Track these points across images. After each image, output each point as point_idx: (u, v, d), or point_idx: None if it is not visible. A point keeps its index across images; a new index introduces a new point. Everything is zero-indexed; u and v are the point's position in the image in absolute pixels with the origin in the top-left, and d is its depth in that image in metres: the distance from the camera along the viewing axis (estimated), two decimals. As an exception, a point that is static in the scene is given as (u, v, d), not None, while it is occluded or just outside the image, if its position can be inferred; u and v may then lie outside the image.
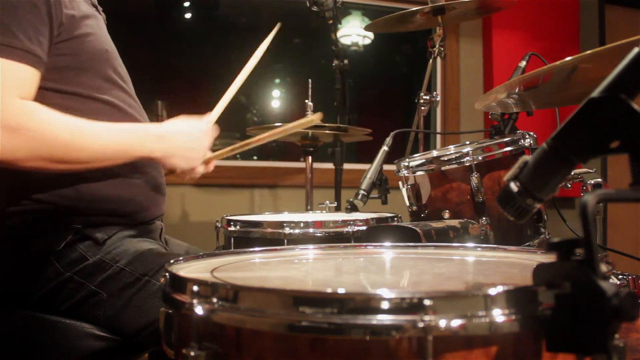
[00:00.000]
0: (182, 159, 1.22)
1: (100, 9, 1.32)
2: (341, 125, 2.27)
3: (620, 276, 1.32)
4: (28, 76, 1.04)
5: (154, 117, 2.44)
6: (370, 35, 3.59)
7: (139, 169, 1.25)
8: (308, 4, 2.22)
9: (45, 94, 1.10)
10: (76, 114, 1.09)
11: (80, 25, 1.16)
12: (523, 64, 1.82)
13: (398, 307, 0.55)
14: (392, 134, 1.78)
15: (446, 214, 1.51)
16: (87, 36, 1.18)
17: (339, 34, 2.39)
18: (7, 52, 1.01)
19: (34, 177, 1.15)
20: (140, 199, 1.25)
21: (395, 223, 1.54)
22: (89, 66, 1.18)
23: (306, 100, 2.20)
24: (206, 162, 1.35)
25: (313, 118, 1.38)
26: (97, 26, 1.23)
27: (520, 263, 0.90)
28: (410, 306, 0.55)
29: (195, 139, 1.25)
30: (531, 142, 1.53)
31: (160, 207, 1.33)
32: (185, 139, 1.23)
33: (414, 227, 1.29)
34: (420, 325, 0.54)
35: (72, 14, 1.14)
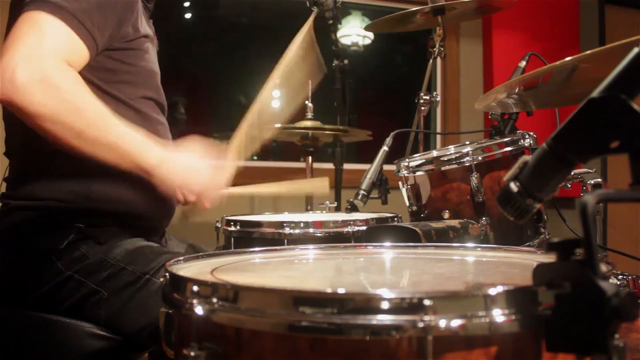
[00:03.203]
0: (175, 189, 1.15)
1: (155, 35, 1.38)
2: (341, 127, 2.28)
3: (620, 276, 1.32)
4: (82, 53, 1.09)
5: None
6: (370, 35, 3.59)
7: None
8: (308, 4, 2.22)
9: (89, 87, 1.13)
10: None
11: (141, 42, 1.24)
12: (523, 64, 1.82)
13: (398, 307, 0.55)
14: (392, 134, 1.78)
15: (446, 214, 1.51)
16: (144, 54, 1.26)
17: (339, 34, 2.39)
18: (76, 27, 1.06)
19: (49, 170, 1.16)
20: (149, 207, 1.26)
21: (395, 223, 1.54)
22: (136, 80, 1.24)
23: (306, 102, 2.20)
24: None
25: (324, 184, 1.39)
26: (152, 48, 1.31)
27: (520, 263, 0.90)
28: (410, 306, 0.55)
29: (197, 174, 1.17)
30: (531, 142, 1.53)
31: (166, 221, 1.34)
32: (185, 171, 1.15)
33: (414, 227, 1.29)
34: (420, 325, 0.54)
35: (137, 27, 1.22)
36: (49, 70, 1.02)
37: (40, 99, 1.00)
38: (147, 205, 1.25)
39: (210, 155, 1.20)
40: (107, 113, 1.08)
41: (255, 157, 3.42)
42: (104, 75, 1.19)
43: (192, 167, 1.16)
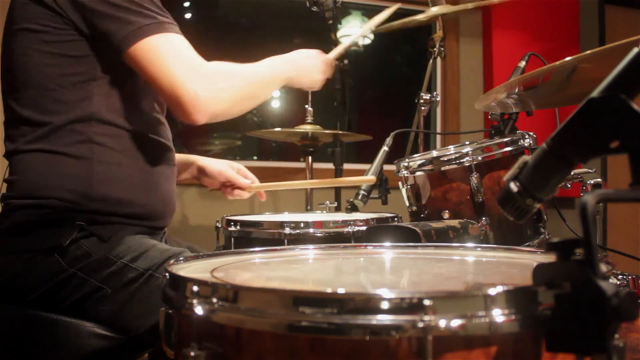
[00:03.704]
0: (306, 79, 1.49)
1: None
2: (340, 131, 2.28)
3: (620, 276, 1.32)
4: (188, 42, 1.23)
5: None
6: (370, 35, 3.59)
7: (153, 181, 1.27)
8: (308, 4, 2.21)
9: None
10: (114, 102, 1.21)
11: None
12: (523, 64, 1.82)
13: (398, 307, 0.55)
14: (392, 134, 1.78)
15: (446, 214, 1.51)
16: None
17: (339, 34, 2.38)
18: (170, 28, 1.19)
19: (50, 172, 1.17)
20: (151, 207, 1.26)
21: (395, 223, 1.54)
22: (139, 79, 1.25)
23: (306, 106, 2.20)
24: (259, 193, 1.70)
25: (369, 179, 1.61)
26: None
27: (520, 263, 0.90)
28: (410, 306, 0.55)
29: (316, 64, 1.52)
30: (531, 142, 1.53)
31: (167, 220, 1.35)
32: (308, 62, 1.49)
33: (414, 227, 1.29)
34: (420, 325, 0.54)
35: None
36: (209, 73, 1.18)
37: (229, 97, 1.21)
38: (148, 207, 1.26)
39: (317, 54, 1.55)
40: (253, 68, 1.31)
41: (255, 157, 3.43)
42: (115, 75, 1.20)
43: (313, 63, 1.51)
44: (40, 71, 1.18)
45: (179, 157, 1.64)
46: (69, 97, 1.18)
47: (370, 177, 1.62)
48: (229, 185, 1.66)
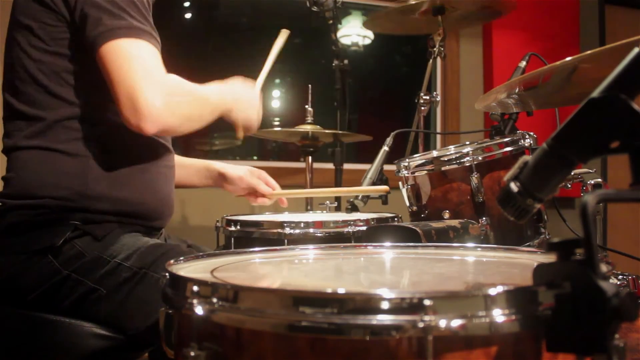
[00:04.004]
0: (243, 115, 1.40)
1: None
2: (340, 132, 2.28)
3: (620, 276, 1.32)
4: (160, 55, 1.21)
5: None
6: (371, 35, 3.59)
7: (151, 181, 1.27)
8: (308, 4, 2.22)
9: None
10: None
11: None
12: (523, 64, 1.82)
13: (398, 307, 0.55)
14: (392, 134, 1.78)
15: (446, 214, 1.51)
16: None
17: (339, 34, 2.38)
18: (147, 36, 1.17)
19: (46, 169, 1.17)
20: (148, 206, 1.26)
21: (396, 223, 1.54)
22: None
23: (306, 106, 2.20)
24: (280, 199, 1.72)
25: (383, 188, 1.66)
26: None
27: (520, 263, 0.90)
28: (410, 306, 0.55)
29: (252, 100, 1.44)
30: (531, 142, 1.53)
31: (164, 221, 1.34)
32: (246, 98, 1.41)
33: (414, 227, 1.29)
34: (420, 325, 0.53)
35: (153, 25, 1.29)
36: (169, 85, 1.16)
37: (182, 113, 1.18)
38: (144, 205, 1.25)
39: (251, 89, 1.45)
40: (204, 90, 1.28)
41: (255, 157, 3.42)
42: None
43: (251, 98, 1.43)
44: (37, 67, 1.19)
45: (198, 162, 1.65)
46: (64, 94, 1.19)
47: (384, 187, 1.66)
48: (252, 192, 1.67)
